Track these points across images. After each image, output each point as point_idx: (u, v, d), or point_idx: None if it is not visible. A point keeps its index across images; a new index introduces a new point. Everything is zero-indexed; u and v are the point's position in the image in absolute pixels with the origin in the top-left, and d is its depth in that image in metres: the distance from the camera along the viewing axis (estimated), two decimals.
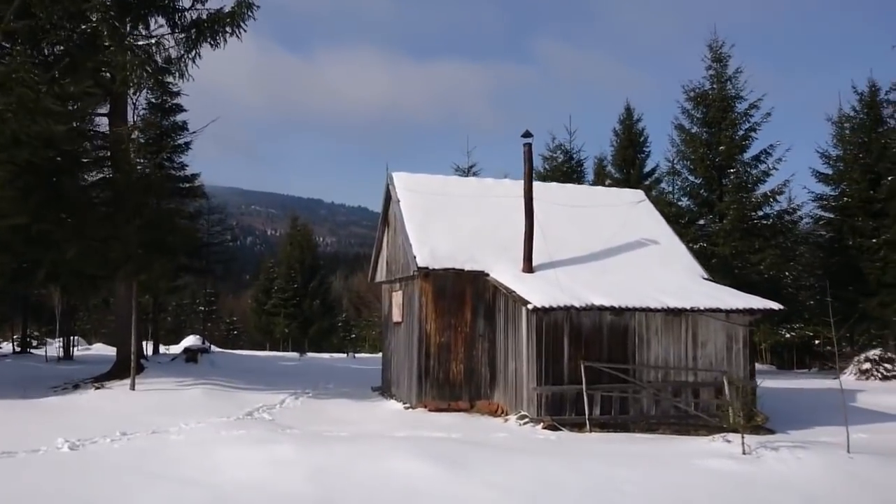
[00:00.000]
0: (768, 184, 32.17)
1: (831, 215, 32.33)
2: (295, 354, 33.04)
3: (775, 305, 14.24)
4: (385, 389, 18.40)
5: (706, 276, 16.51)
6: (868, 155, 30.23)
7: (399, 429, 12.84)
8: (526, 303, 13.14)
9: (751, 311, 14.02)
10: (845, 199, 30.78)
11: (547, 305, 12.93)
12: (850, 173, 30.71)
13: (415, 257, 15.06)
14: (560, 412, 13.19)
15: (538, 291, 13.49)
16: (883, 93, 31.13)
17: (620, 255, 16.28)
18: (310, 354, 33.70)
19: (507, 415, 14.33)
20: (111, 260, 16.45)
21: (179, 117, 28.97)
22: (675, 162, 34.09)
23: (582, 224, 17.04)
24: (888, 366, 25.25)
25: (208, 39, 18.32)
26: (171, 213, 17.48)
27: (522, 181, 16.85)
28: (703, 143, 32.72)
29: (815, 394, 20.86)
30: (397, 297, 17.24)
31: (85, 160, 16.87)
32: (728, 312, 13.88)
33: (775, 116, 33.06)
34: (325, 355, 36.88)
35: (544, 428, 12.84)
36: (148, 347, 29.47)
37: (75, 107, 15.73)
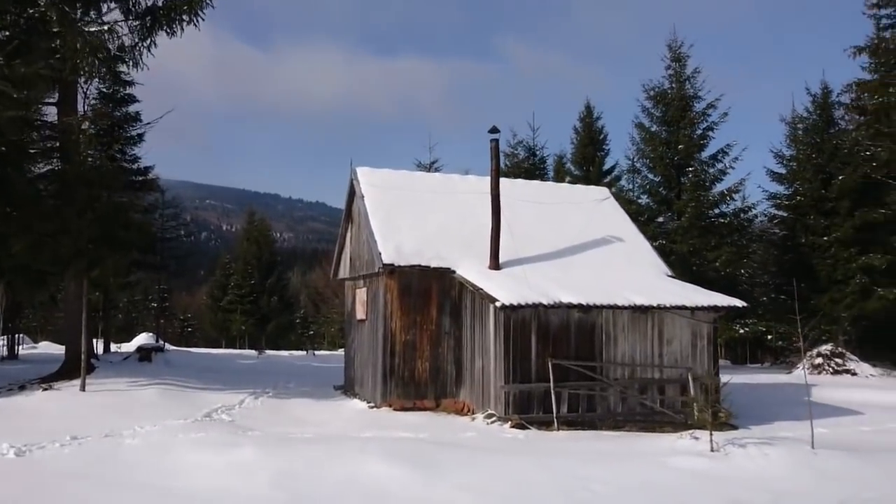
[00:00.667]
0: (725, 182, 32.80)
1: (785, 214, 33.04)
2: (253, 352, 32.34)
3: (738, 303, 14.37)
4: (348, 388, 18.05)
5: (670, 274, 16.60)
6: (820, 155, 30.95)
7: (365, 429, 12.54)
8: (493, 300, 12.96)
9: (715, 309, 14.11)
10: (798, 197, 31.47)
11: (515, 303, 12.77)
12: (803, 173, 31.40)
13: (380, 254, 14.75)
14: (528, 410, 13.06)
15: (506, 289, 13.33)
16: (835, 95, 31.91)
17: (587, 253, 16.23)
18: (268, 352, 33.02)
19: (473, 413, 14.15)
20: (60, 255, 15.72)
21: (132, 108, 28.09)
22: (635, 160, 34.45)
23: (548, 221, 16.96)
24: (839, 360, 25.90)
25: (164, 27, 17.66)
26: (125, 207, 16.79)
27: (488, 177, 16.69)
28: (662, 142, 33.13)
29: (771, 388, 21.25)
30: (361, 295, 16.91)
31: (32, 150, 16.06)
32: (693, 310, 13.94)
33: (731, 116, 33.70)
34: (284, 353, 36.24)
35: (512, 427, 12.69)
36: (98, 346, 28.46)
37: (24, 93, 14.93)
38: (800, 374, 26.43)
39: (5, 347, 27.64)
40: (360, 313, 16.92)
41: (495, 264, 15.04)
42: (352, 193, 17.56)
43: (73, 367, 17.90)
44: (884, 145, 29.22)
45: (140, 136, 28.60)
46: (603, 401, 13.54)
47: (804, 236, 30.72)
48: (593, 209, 17.96)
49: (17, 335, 29.21)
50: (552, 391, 13.04)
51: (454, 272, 14.98)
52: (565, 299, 13.17)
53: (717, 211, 32.73)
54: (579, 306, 13.22)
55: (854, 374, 25.20)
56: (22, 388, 17.22)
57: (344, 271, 18.76)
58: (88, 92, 19.16)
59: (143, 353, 20.51)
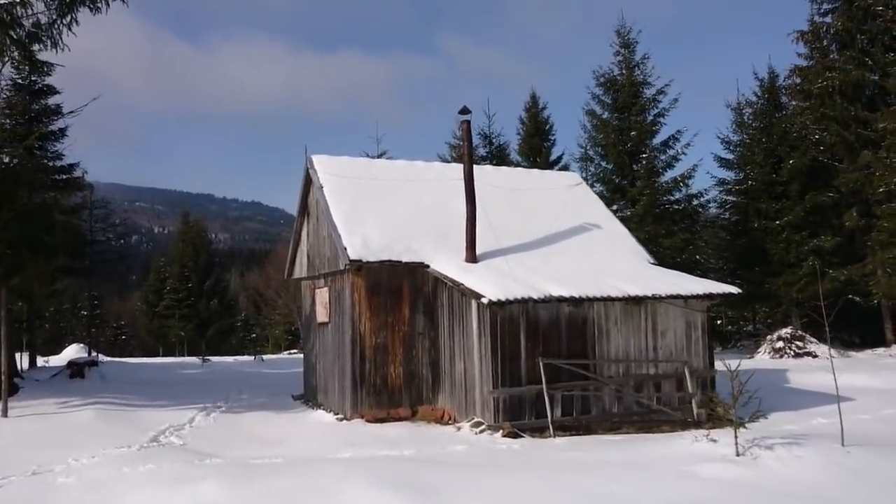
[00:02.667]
0: (676, 169, 32.35)
1: (734, 199, 32.88)
2: (196, 360, 30.03)
3: (733, 289, 13.45)
4: (310, 398, 16.37)
5: (652, 261, 15.60)
6: (769, 139, 30.80)
7: (339, 448, 10.97)
8: (478, 296, 11.59)
9: (710, 296, 13.13)
10: (749, 182, 31.27)
11: (503, 298, 11.43)
12: (753, 157, 31.22)
13: (345, 249, 13.17)
14: (519, 416, 11.75)
15: (490, 283, 11.98)
16: (782, 79, 31.87)
17: (565, 241, 15.05)
18: (213, 359, 30.76)
19: (456, 422, 12.76)
20: None
21: (52, 100, 25.44)
22: (587, 148, 33.64)
23: (521, 208, 15.70)
24: (799, 343, 25.70)
25: (87, 2, 15.47)
26: (47, 207, 14.65)
27: (455, 164, 15.37)
28: (614, 129, 32.43)
29: (743, 375, 20.61)
30: (322, 295, 15.26)
31: None
32: (688, 298, 12.92)
33: (679, 103, 33.28)
34: (230, 359, 33.97)
35: (504, 436, 11.36)
36: (23, 361, 25.72)
37: None
38: (762, 358, 26.18)
39: None
40: (322, 316, 15.27)
41: (472, 256, 13.67)
42: (307, 184, 15.87)
43: None
44: (829, 129, 29.32)
45: (62, 130, 25.94)
46: (598, 401, 12.37)
47: (756, 221, 30.53)
48: (566, 195, 16.79)
49: None
50: (545, 394, 11.77)
51: (428, 267, 13.54)
52: (555, 292, 11.92)
53: (670, 198, 32.27)
54: (571, 299, 11.99)
55: (815, 356, 25.01)
56: None
57: (300, 270, 17.03)
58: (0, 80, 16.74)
59: (75, 369, 18.27)
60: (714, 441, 9.80)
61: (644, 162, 31.82)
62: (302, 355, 38.05)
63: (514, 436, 11.38)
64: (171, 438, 12.28)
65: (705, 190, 32.70)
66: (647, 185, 30.89)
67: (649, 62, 32.85)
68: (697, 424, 12.48)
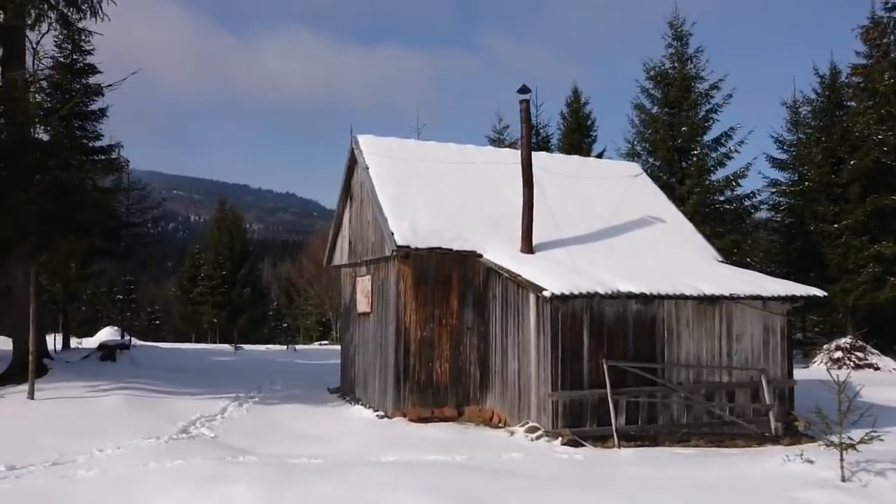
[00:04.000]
0: (728, 168, 30.76)
1: (787, 200, 31.19)
2: (228, 347, 29.36)
3: (818, 292, 12.10)
4: (347, 391, 15.38)
5: (720, 259, 14.29)
6: (829, 139, 29.05)
7: (384, 449, 9.93)
8: (539, 290, 10.44)
9: (792, 299, 11.81)
10: (806, 183, 29.56)
11: (567, 292, 10.28)
12: (810, 157, 29.50)
13: (392, 234, 12.12)
14: (580, 423, 10.59)
15: (550, 275, 10.83)
16: (844, 76, 30.07)
17: (626, 234, 13.83)
18: (245, 347, 30.07)
19: (507, 425, 11.65)
20: (1, 237, 12.77)
21: (93, 80, 24.90)
22: (634, 143, 32.19)
23: (579, 198, 14.50)
24: (860, 354, 24.03)
25: None
26: (81, 183, 13.86)
27: (505, 149, 14.28)
28: (663, 125, 30.94)
29: (805, 387, 19.15)
30: (364, 284, 14.25)
31: None
32: (767, 300, 11.61)
33: (733, 99, 31.66)
34: (262, 347, 33.30)
35: (564, 444, 10.21)
36: (57, 341, 25.27)
37: None
38: (818, 368, 24.55)
39: None
40: (363, 305, 14.26)
41: (528, 247, 12.54)
42: (351, 166, 14.86)
43: (21, 369, 14.95)
44: (894, 129, 27.52)
45: (102, 111, 25.42)
46: (665, 409, 11.14)
47: (812, 224, 28.82)
48: (626, 186, 15.54)
49: None
50: (609, 399, 10.59)
51: (480, 256, 12.43)
52: (624, 288, 10.71)
53: (720, 197, 30.68)
54: (641, 296, 10.77)
55: (877, 368, 23.34)
56: None
57: (341, 257, 16.05)
58: (39, 50, 16.04)
59: (106, 352, 17.56)
60: (810, 462, 8.55)
61: (694, 159, 30.27)
62: (334, 347, 37.30)
63: (575, 444, 10.22)
64: (201, 430, 11.38)
65: (758, 190, 31.04)
66: (697, 184, 29.34)
67: (703, 55, 31.24)
68: (775, 440, 11.19)
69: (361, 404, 13.99)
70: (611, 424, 10.54)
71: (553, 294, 10.17)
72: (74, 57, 25.28)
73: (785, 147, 31.98)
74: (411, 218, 12.49)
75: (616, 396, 10.66)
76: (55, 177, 13.33)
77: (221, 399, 14.50)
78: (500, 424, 11.84)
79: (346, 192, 15.34)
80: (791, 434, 11.44)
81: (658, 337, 11.16)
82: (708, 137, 30.79)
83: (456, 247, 12.38)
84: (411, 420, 12.18)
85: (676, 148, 30.57)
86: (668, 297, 10.97)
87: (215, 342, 51.90)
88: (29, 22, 13.69)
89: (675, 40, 31.54)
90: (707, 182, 29.73)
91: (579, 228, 13.59)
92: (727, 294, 11.23)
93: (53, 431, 10.77)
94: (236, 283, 58.19)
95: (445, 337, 12.62)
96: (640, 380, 10.94)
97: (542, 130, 36.59)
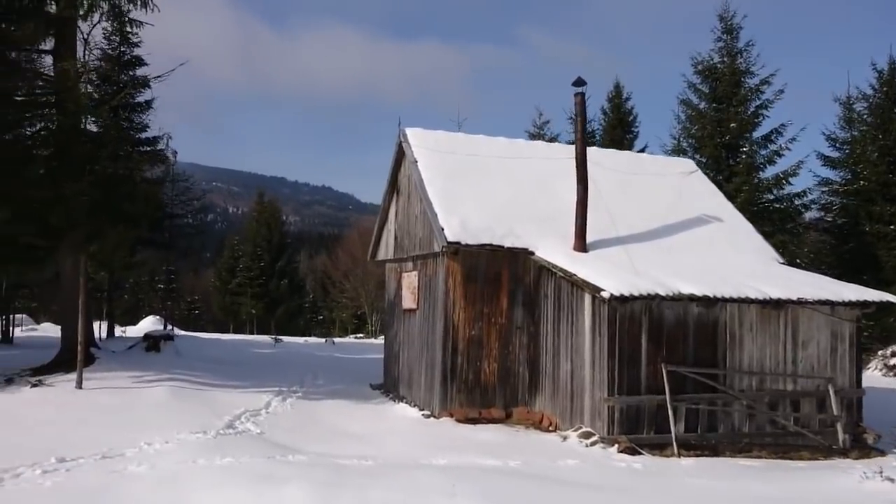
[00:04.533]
0: (778, 165, 29.74)
1: (840, 200, 30.03)
2: (268, 339, 29.44)
3: (893, 298, 11.44)
4: (390, 388, 15.13)
5: (781, 261, 13.66)
6: (887, 136, 27.86)
7: (433, 451, 9.62)
8: (596, 290, 10.01)
9: (864, 304, 11.17)
10: (861, 182, 28.40)
11: (626, 293, 9.83)
12: (866, 155, 28.33)
13: (442, 229, 11.79)
14: (636, 430, 10.15)
15: (607, 275, 10.39)
16: None
17: (683, 233, 13.29)
18: (284, 339, 30.12)
19: (558, 429, 11.25)
20: (53, 227, 12.79)
21: (140, 72, 25.08)
22: (680, 139, 31.33)
23: (633, 195, 13.99)
24: None
25: None
26: (130, 175, 13.84)
27: (556, 144, 13.86)
28: (711, 120, 30.03)
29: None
30: (410, 280, 13.96)
31: (19, 98, 13.10)
32: (836, 305, 11.00)
33: (784, 95, 30.57)
34: (300, 340, 33.33)
35: (621, 451, 9.77)
36: (102, 329, 25.58)
37: (6, 26, 11.97)
38: (873, 375, 23.60)
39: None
40: (409, 302, 13.97)
41: (582, 245, 12.10)
42: (399, 159, 14.57)
43: (70, 357, 15.03)
44: None
45: (148, 102, 25.62)
46: (726, 418, 10.62)
47: (868, 224, 27.70)
48: (681, 183, 14.97)
49: (12, 316, 26.32)
50: (669, 406, 10.12)
51: (532, 254, 12.03)
52: (685, 290, 10.22)
53: (769, 196, 29.67)
54: (703, 299, 10.26)
55: None
56: (10, 381, 14.35)
57: (386, 252, 15.78)
58: (90, 40, 16.05)
59: (151, 343, 17.61)
60: (891, 480, 7.99)
61: (743, 156, 29.31)
62: (370, 340, 37.21)
63: (632, 452, 9.78)
64: (247, 425, 11.22)
65: (808, 189, 29.96)
66: (745, 182, 28.39)
67: (753, 50, 30.21)
68: (843, 453, 10.61)
69: (406, 402, 13.72)
70: (669, 432, 10.07)
71: (612, 295, 9.73)
72: (122, 49, 25.54)
73: (837, 145, 30.80)
74: (461, 213, 12.15)
75: (675, 403, 10.18)
76: (105, 167, 13.29)
77: (265, 393, 14.37)
78: (550, 428, 11.45)
79: (393, 185, 15.06)
80: (860, 447, 10.84)
81: (720, 342, 10.64)
82: (757, 134, 29.80)
83: (507, 244, 12.00)
84: (458, 420, 11.86)
85: (724, 144, 29.65)
86: (731, 300, 10.44)
87: (253, 333, 52.40)
88: (81, 12, 13.66)
89: (725, 34, 30.55)
90: (756, 180, 28.77)
91: (634, 227, 13.09)
92: (794, 298, 10.65)
93: (102, 423, 10.72)
94: (274, 275, 58.71)
95: (494, 336, 12.27)
96: (701, 386, 10.45)
97: (588, 125, 35.91)
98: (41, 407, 11.97)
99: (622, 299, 9.86)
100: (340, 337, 46.10)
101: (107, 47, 24.62)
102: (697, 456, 10.07)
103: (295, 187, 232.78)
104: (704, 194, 15.00)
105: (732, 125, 29.28)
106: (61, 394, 12.83)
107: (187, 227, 30.47)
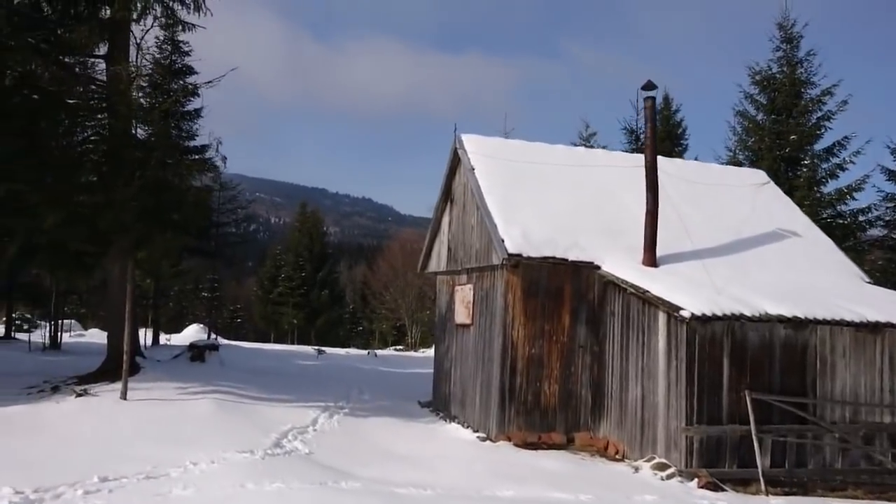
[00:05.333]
0: (841, 179, 28.26)
1: None
2: (311, 350, 29.01)
3: None
4: (440, 407, 14.40)
5: (868, 280, 12.58)
6: None
7: (496, 481, 8.85)
8: (675, 308, 9.16)
9: None
10: None
11: (708, 313, 8.96)
12: None
13: (502, 241, 11.07)
14: (718, 463, 9.22)
15: (685, 293, 9.53)
16: None
17: (758, 248, 12.32)
18: (327, 350, 29.66)
19: (626, 458, 10.37)
20: (101, 232, 12.45)
21: (189, 80, 25.07)
22: (736, 151, 30.08)
23: (703, 206, 13.07)
24: None
25: None
26: (179, 181, 13.47)
27: (617, 152, 13.10)
28: (769, 132, 28.75)
29: None
30: (464, 293, 13.25)
31: (71, 101, 12.85)
32: None
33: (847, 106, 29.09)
34: (342, 351, 32.85)
35: (702, 487, 8.86)
36: (147, 337, 25.46)
37: (62, 32, 11.74)
38: None
39: (49, 336, 24.82)
40: (462, 316, 13.26)
41: (652, 259, 11.25)
42: (453, 167, 13.92)
43: (115, 366, 14.70)
44: None
45: (197, 111, 25.62)
46: (817, 452, 9.62)
47: None
48: (754, 195, 14.00)
49: (61, 322, 26.40)
50: (754, 437, 9.18)
51: (598, 268, 11.23)
52: (772, 310, 9.30)
53: (831, 211, 28.20)
54: (793, 320, 9.32)
55: None
56: (55, 388, 14.07)
57: (437, 263, 15.11)
58: (142, 45, 15.86)
59: (196, 352, 17.24)
60: None
61: (804, 170, 27.94)
62: (413, 353, 36.53)
63: (714, 488, 8.87)
64: (295, 444, 10.61)
65: (874, 205, 28.38)
66: (806, 196, 26.92)
67: (815, 59, 28.87)
68: None
69: (458, 422, 12.97)
70: (754, 466, 9.12)
71: (693, 315, 8.87)
72: (173, 58, 25.61)
73: None
74: (522, 224, 11.41)
75: (761, 434, 9.23)
76: (155, 172, 12.93)
77: (311, 408, 13.77)
78: (617, 456, 10.57)
79: (446, 194, 14.40)
80: None
81: (809, 367, 9.66)
82: (819, 147, 28.42)
83: (571, 257, 11.22)
84: (516, 445, 11.06)
85: (784, 157, 28.28)
86: (823, 322, 9.48)
87: (293, 343, 52.28)
88: (135, 15, 13.41)
89: (785, 43, 29.33)
90: (817, 194, 27.36)
91: (705, 240, 12.18)
92: (894, 321, 9.62)
93: (146, 437, 10.23)
94: (315, 285, 58.67)
95: (555, 355, 11.46)
96: (788, 416, 9.48)
97: (641, 136, 34.90)
98: (85, 418, 11.56)
99: (703, 319, 8.99)
100: (381, 349, 45.65)
101: (158, 55, 24.70)
102: (786, 494, 9.10)
103: (335, 198, 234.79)
104: (779, 207, 14.00)
105: (793, 137, 27.96)
106: (106, 405, 12.41)
107: (232, 235, 30.33)
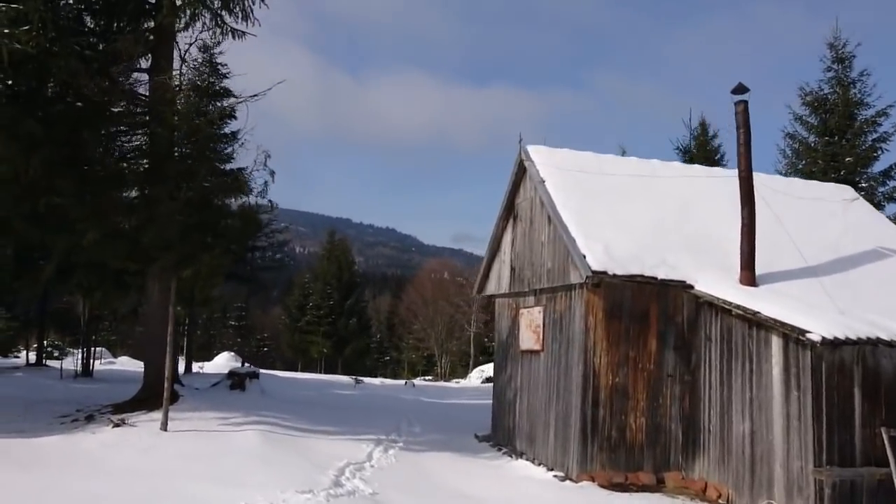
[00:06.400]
0: None
1: None
2: (347, 379, 27.86)
3: None
4: (503, 442, 13.13)
5: None
6: None
7: None
8: (799, 332, 7.92)
9: None
10: None
11: (841, 337, 7.71)
12: None
13: (584, 257, 9.93)
14: None
15: (804, 314, 8.29)
16: None
17: (863, 267, 11.04)
18: (365, 380, 28.48)
19: (729, 502, 9.04)
20: (144, 248, 11.55)
21: (227, 102, 24.51)
22: (788, 175, 28.76)
23: (793, 222, 11.83)
24: None
25: None
26: (220, 200, 12.58)
27: (694, 165, 12.01)
28: (824, 154, 27.44)
29: None
30: (532, 317, 12.07)
31: (115, 110, 12.10)
32: None
33: None
34: (376, 381, 31.66)
35: None
36: (180, 364, 24.53)
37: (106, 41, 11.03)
38: None
39: (80, 363, 23.98)
40: (531, 342, 12.06)
41: (750, 278, 10.03)
42: (517, 181, 12.88)
43: (153, 394, 13.71)
44: None
45: (234, 133, 24.96)
46: None
47: None
48: (845, 211, 12.76)
49: (93, 349, 25.59)
50: (895, 481, 7.84)
51: (691, 287, 10.03)
52: None
53: None
54: None
55: None
56: (90, 418, 13.09)
57: (498, 285, 13.96)
58: (187, 57, 15.22)
59: (236, 380, 16.18)
60: None
61: (861, 193, 26.52)
62: (446, 384, 35.18)
63: None
64: (355, 482, 9.44)
65: None
66: None
67: (869, 80, 27.64)
68: None
69: (526, 459, 11.70)
70: None
71: (824, 338, 7.62)
72: (211, 80, 25.09)
73: None
74: (603, 239, 10.27)
75: None
76: (200, 188, 12.07)
77: (363, 441, 12.61)
78: (720, 501, 9.24)
79: (509, 210, 13.32)
80: None
81: None
82: (875, 170, 27.09)
83: (661, 275, 10.04)
84: (602, 486, 9.77)
85: (839, 180, 26.89)
86: None
87: (322, 372, 51.15)
88: (182, 23, 12.70)
89: (836, 63, 28.19)
90: None
91: (802, 258, 10.93)
92: None
93: (191, 474, 9.12)
94: (343, 314, 57.71)
95: (641, 385, 10.22)
96: None
97: (695, 151, 33.82)
98: (124, 450, 10.51)
99: (834, 344, 7.74)
100: (411, 378, 44.35)
101: (195, 78, 24.19)
102: None
103: (360, 228, 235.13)
104: (872, 223, 12.74)
105: (848, 160, 26.65)
106: (145, 436, 11.36)
107: (269, 260, 29.51)
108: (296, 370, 49.75)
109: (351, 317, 58.58)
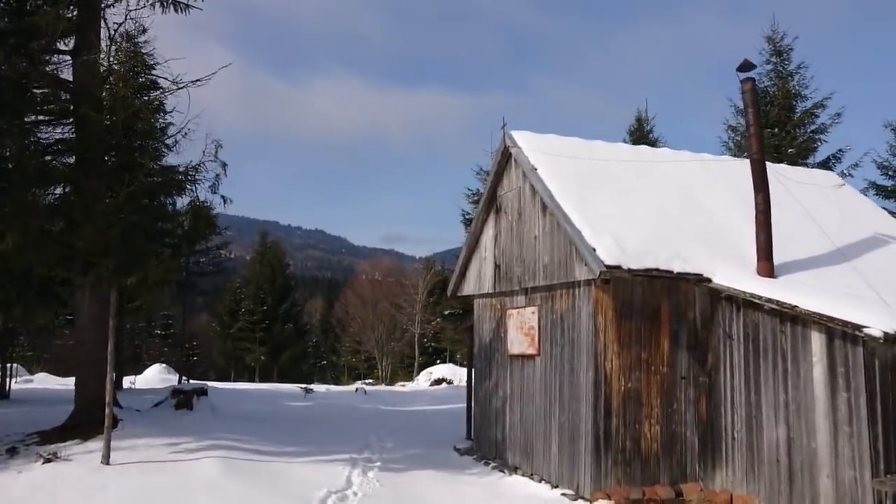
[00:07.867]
0: None
1: None
2: (295, 389, 26.03)
3: None
4: (489, 455, 11.94)
5: None
6: None
7: None
8: (853, 328, 7.10)
9: None
10: None
11: None
12: None
13: (593, 250, 8.87)
14: None
15: (856, 307, 7.49)
16: None
17: (870, 255, 10.46)
18: (313, 388, 26.70)
19: None
20: (75, 255, 9.74)
21: (153, 95, 22.31)
22: None
23: (788, 211, 11.16)
24: None
25: None
26: (174, 184, 10.84)
27: (682, 151, 11.29)
28: (767, 146, 27.64)
29: None
30: (524, 318, 10.94)
31: (36, 89, 10.22)
32: None
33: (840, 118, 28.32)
34: (322, 388, 29.90)
35: None
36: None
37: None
38: None
39: None
40: (524, 345, 10.92)
41: (768, 268, 9.23)
42: (500, 171, 11.73)
43: (87, 419, 11.85)
44: None
45: (163, 129, 22.78)
46: None
47: None
48: (839, 198, 12.25)
49: (10, 367, 22.83)
50: None
51: (708, 281, 9.15)
52: None
53: None
54: None
55: None
56: (12, 451, 11.08)
57: (478, 285, 12.75)
58: (115, 39, 13.32)
59: (182, 398, 14.33)
60: None
61: None
62: (394, 388, 33.71)
63: None
64: None
65: None
66: None
67: (807, 72, 28.05)
68: None
69: (522, 474, 10.57)
70: None
71: (886, 334, 6.82)
72: (137, 69, 22.81)
73: (891, 174, 28.52)
74: (612, 231, 9.25)
75: None
76: (143, 181, 10.34)
77: (336, 463, 11.18)
78: None
79: (490, 203, 12.15)
80: None
81: None
82: (814, 161, 27.52)
83: (676, 268, 9.11)
84: (619, 503, 8.75)
85: None
86: None
87: (256, 380, 48.63)
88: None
89: (775, 56, 28.49)
90: None
91: (808, 247, 10.27)
92: None
93: None
94: (278, 319, 55.29)
95: (655, 389, 9.27)
96: None
97: (658, 145, 33.59)
98: (60, 494, 8.74)
99: (891, 341, 6.94)
100: (356, 383, 42.63)
101: (128, 62, 21.90)
102: None
103: (288, 230, 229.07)
104: (867, 211, 12.29)
105: (790, 151, 26.95)
106: (84, 474, 9.55)
107: (206, 265, 27.29)
108: (229, 380, 47.07)
109: (286, 322, 56.23)
